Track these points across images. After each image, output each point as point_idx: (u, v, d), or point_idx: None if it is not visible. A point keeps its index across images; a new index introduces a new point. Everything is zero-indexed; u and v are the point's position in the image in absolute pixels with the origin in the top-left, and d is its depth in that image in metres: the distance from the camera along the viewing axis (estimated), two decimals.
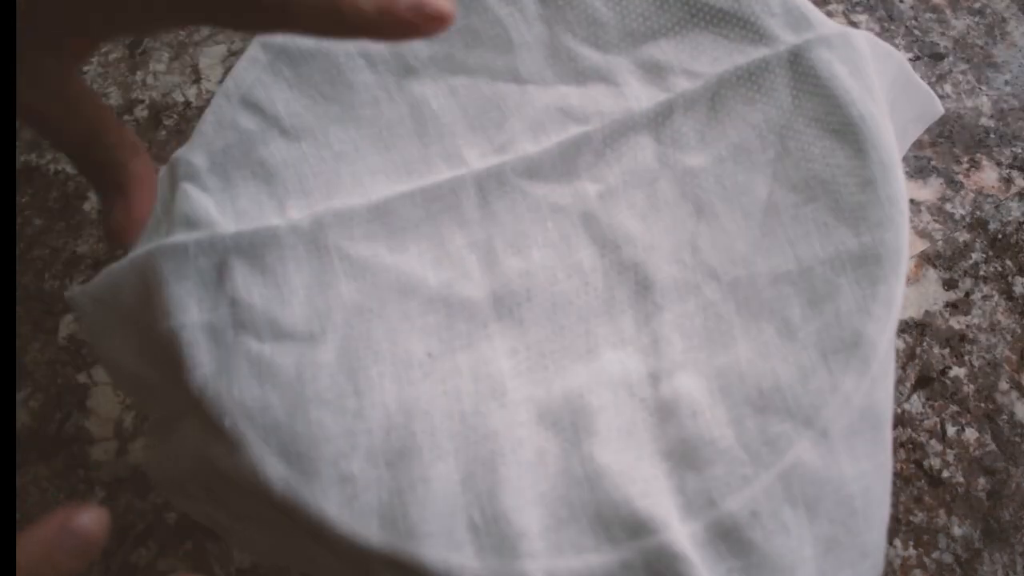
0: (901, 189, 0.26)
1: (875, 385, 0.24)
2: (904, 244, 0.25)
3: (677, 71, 0.31)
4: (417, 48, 0.32)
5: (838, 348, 0.25)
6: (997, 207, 0.40)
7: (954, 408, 0.35)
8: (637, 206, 0.30)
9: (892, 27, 0.46)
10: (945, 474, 0.34)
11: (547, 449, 0.26)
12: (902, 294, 0.25)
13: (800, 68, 0.30)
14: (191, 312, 0.26)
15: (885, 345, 0.24)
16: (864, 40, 0.30)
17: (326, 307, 0.27)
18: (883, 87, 0.30)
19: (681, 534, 0.23)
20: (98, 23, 0.18)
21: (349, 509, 0.24)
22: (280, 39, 0.31)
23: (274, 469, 0.24)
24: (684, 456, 0.25)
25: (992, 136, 0.42)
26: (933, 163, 0.41)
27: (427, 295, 0.28)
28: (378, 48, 0.32)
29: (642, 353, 0.28)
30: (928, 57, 0.45)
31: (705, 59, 0.31)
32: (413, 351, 0.27)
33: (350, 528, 0.23)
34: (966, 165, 0.41)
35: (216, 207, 0.28)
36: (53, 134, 0.20)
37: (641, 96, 0.31)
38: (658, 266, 0.29)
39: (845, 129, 0.28)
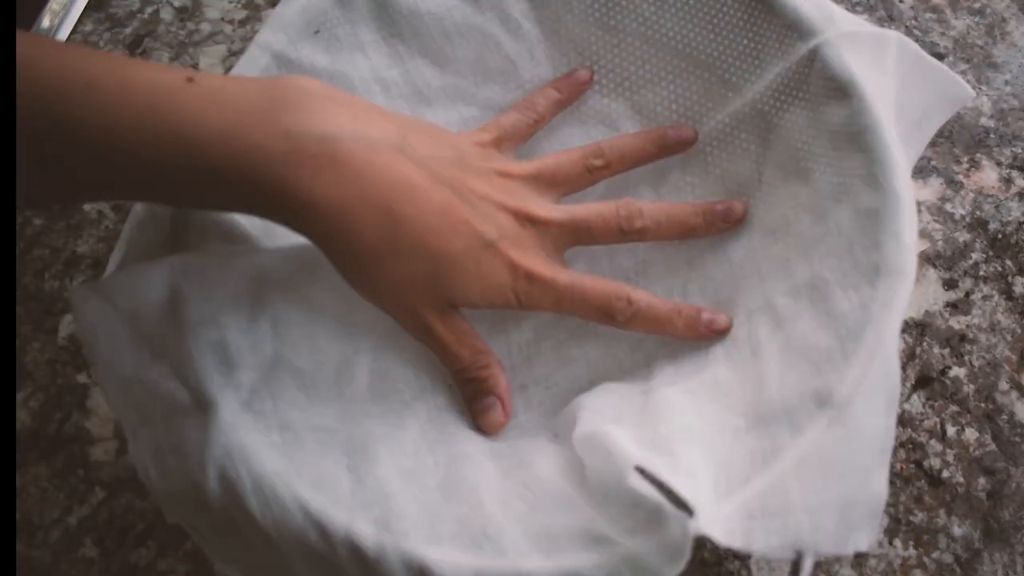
0: (846, 216, 0.28)
1: (848, 386, 0.25)
2: (858, 264, 0.27)
3: (668, 123, 0.34)
4: (429, 78, 0.34)
5: (798, 357, 0.27)
6: (997, 207, 0.40)
7: (954, 408, 0.35)
8: (638, 253, 0.33)
9: (892, 27, 0.46)
10: (945, 474, 0.34)
11: (562, 454, 0.27)
12: (864, 310, 0.26)
13: (764, 119, 0.32)
14: (235, 322, 0.26)
15: (853, 351, 0.25)
16: (844, 45, 0.29)
17: (355, 331, 0.29)
18: (884, 73, 0.30)
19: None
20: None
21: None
22: (296, 54, 0.31)
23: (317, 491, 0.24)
24: (664, 449, 0.25)
25: (992, 136, 0.42)
26: (933, 163, 0.41)
27: None
28: (392, 75, 0.33)
29: (638, 381, 0.30)
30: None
31: (694, 112, 0.34)
32: (436, 379, 0.30)
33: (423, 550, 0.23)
34: (966, 165, 0.41)
35: (247, 219, 0.29)
36: (450, 358, 0.29)
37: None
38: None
39: (799, 175, 0.31)
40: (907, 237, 0.26)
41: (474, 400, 0.29)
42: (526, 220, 0.29)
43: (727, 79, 0.33)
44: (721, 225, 0.32)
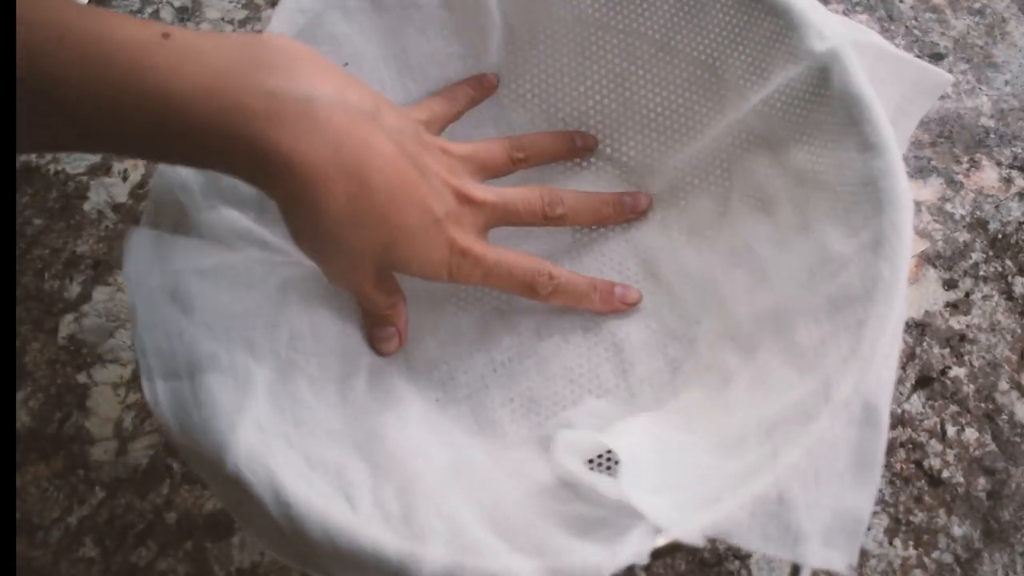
0: (808, 247, 0.29)
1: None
2: (817, 295, 0.28)
3: (641, 168, 0.38)
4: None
5: (760, 384, 0.28)
6: (997, 207, 0.40)
7: (954, 408, 0.35)
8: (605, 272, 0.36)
9: (892, 27, 0.46)
10: (945, 474, 0.34)
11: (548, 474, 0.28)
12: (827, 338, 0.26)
13: (732, 152, 0.34)
14: (260, 323, 0.28)
15: (819, 387, 0.25)
16: (841, 56, 0.29)
17: (353, 353, 0.31)
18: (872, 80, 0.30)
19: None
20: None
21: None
22: None
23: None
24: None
25: (992, 136, 0.42)
26: (933, 163, 0.41)
27: (429, 356, 0.34)
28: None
29: (620, 401, 0.33)
30: (928, 57, 0.45)
31: (657, 153, 0.37)
32: (426, 397, 0.32)
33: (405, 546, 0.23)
34: (966, 165, 0.41)
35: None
36: (369, 303, 0.31)
37: (613, 187, 0.38)
38: (627, 332, 0.34)
39: (767, 205, 0.33)
40: (886, 270, 0.25)
41: (376, 327, 0.32)
42: (464, 199, 0.31)
43: (692, 125, 0.36)
44: (629, 214, 0.36)
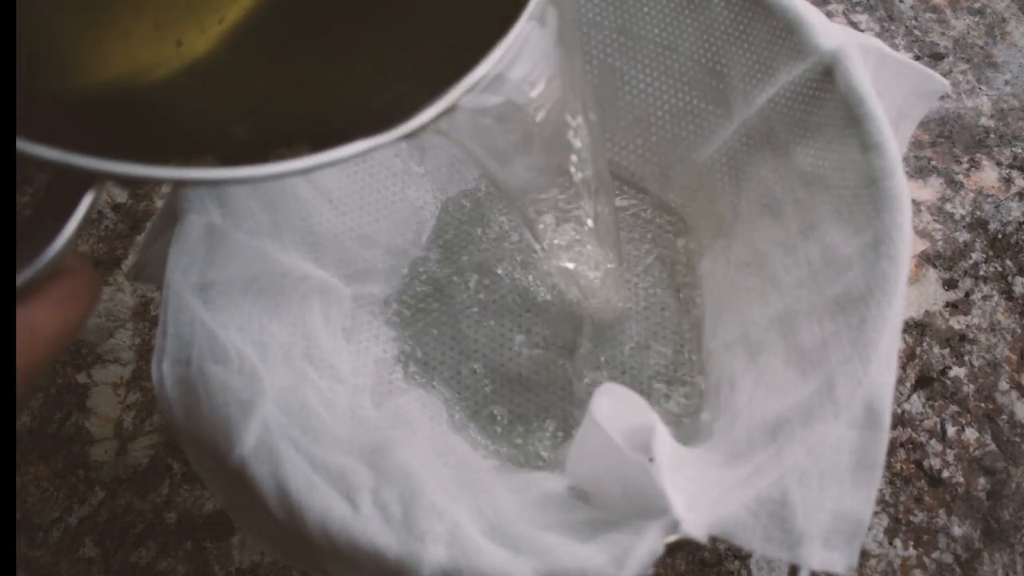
0: (816, 251, 0.29)
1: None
2: (823, 295, 0.28)
3: (647, 175, 0.38)
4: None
5: (762, 385, 0.28)
6: (997, 207, 0.40)
7: (954, 408, 0.35)
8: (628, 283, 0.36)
9: (892, 27, 0.46)
10: (945, 474, 0.34)
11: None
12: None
13: (739, 155, 0.35)
14: (278, 328, 0.28)
15: (817, 394, 0.25)
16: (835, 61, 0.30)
17: (363, 367, 0.32)
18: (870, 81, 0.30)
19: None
20: None
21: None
22: None
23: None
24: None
25: (992, 136, 0.42)
26: (933, 163, 0.41)
27: (449, 370, 0.34)
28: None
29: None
30: (928, 57, 0.45)
31: (663, 160, 0.38)
32: (439, 417, 0.33)
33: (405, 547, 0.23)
34: (966, 165, 0.41)
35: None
36: None
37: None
38: (646, 345, 0.35)
39: (775, 208, 0.33)
40: (889, 269, 0.25)
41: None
42: None
43: (698, 130, 0.36)
44: None
